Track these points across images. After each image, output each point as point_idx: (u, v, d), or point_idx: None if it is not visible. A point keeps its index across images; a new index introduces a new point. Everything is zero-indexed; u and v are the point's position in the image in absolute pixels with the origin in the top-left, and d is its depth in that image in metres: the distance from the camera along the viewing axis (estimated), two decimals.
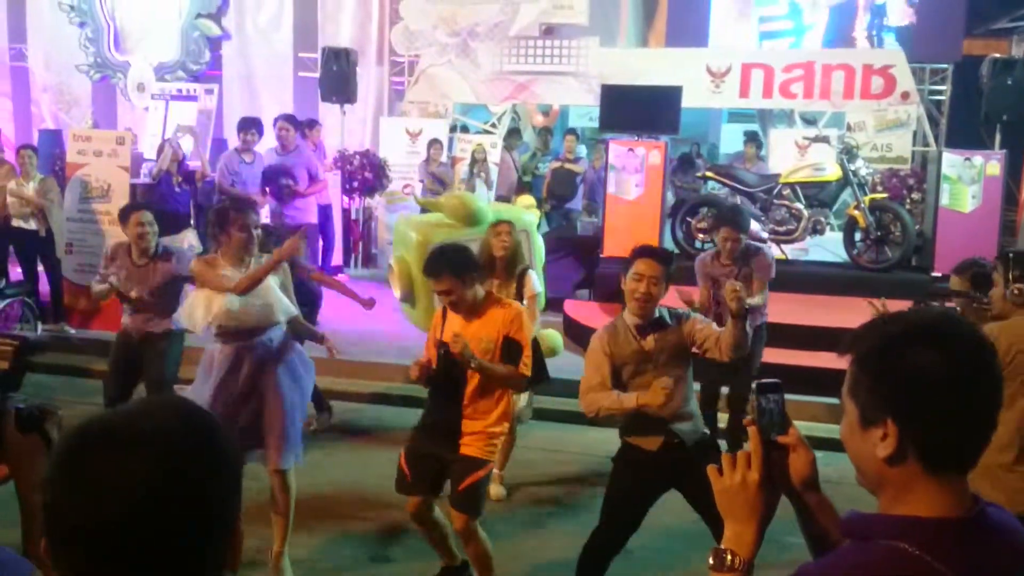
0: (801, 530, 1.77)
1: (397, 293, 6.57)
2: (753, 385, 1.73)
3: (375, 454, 6.69)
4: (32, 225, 8.96)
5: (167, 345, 5.79)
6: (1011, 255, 3.80)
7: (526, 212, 7.18)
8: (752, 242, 6.22)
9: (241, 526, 1.25)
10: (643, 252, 4.18)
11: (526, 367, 4.29)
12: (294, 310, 4.77)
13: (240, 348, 4.56)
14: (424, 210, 8.17)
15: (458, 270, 4.22)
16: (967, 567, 1.41)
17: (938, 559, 1.41)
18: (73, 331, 9.01)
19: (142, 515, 1.09)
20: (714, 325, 4.22)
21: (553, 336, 6.47)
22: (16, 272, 9.54)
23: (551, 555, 5.09)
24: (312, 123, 11.50)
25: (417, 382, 4.36)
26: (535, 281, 5.85)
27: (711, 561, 1.64)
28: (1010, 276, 3.75)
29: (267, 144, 10.24)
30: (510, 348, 4.26)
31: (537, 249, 6.63)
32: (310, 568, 4.85)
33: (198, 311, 4.58)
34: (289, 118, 10.13)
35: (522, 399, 5.97)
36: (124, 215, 5.86)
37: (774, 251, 6.20)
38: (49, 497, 1.13)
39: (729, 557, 1.63)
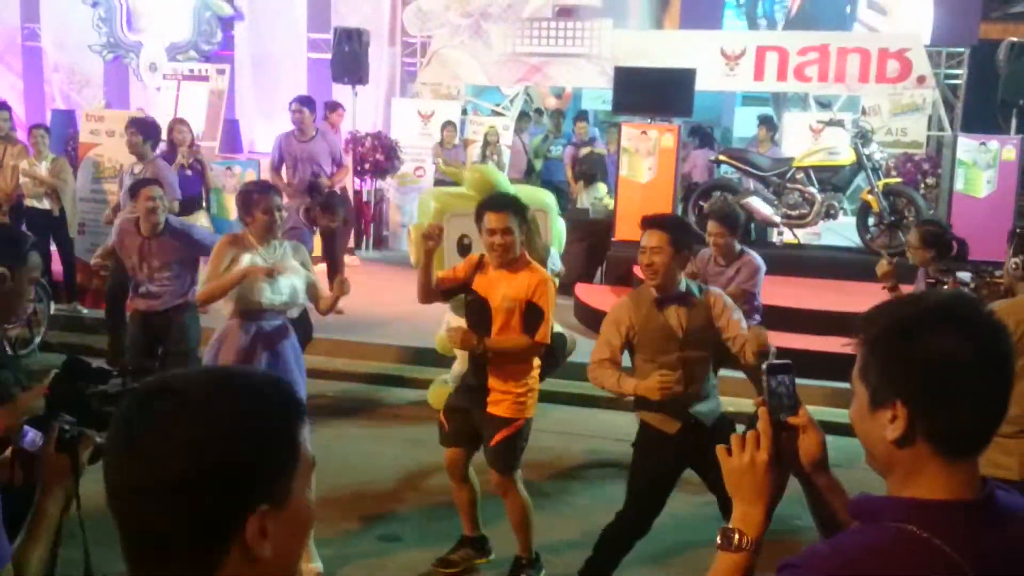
0: (810, 511, 1.76)
1: (412, 259, 6.66)
2: (763, 366, 1.72)
3: (384, 434, 6.72)
4: (45, 205, 8.99)
5: (188, 317, 5.92)
6: (1018, 230, 3.86)
7: (545, 192, 7.11)
8: (746, 248, 6.16)
9: (306, 504, 1.22)
10: (644, 224, 4.18)
11: (543, 336, 4.34)
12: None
13: (258, 328, 4.60)
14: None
15: (520, 214, 4.35)
16: (975, 550, 1.40)
17: (946, 542, 1.40)
18: (85, 311, 9.05)
19: (177, 475, 1.11)
20: (742, 320, 4.19)
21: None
22: None
23: (560, 534, 5.10)
24: (335, 105, 11.42)
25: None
26: (557, 260, 5.88)
27: (719, 540, 1.64)
28: (1011, 251, 3.83)
29: (283, 128, 10.00)
30: (532, 314, 4.32)
31: (556, 232, 6.59)
32: (318, 547, 4.87)
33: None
34: (304, 100, 9.48)
35: None
36: (134, 190, 5.90)
37: (761, 260, 6.08)
38: (106, 452, 1.19)
39: (736, 536, 1.63)
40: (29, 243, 2.84)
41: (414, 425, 6.84)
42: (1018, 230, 3.89)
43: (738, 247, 6.01)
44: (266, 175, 10.82)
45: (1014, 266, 3.75)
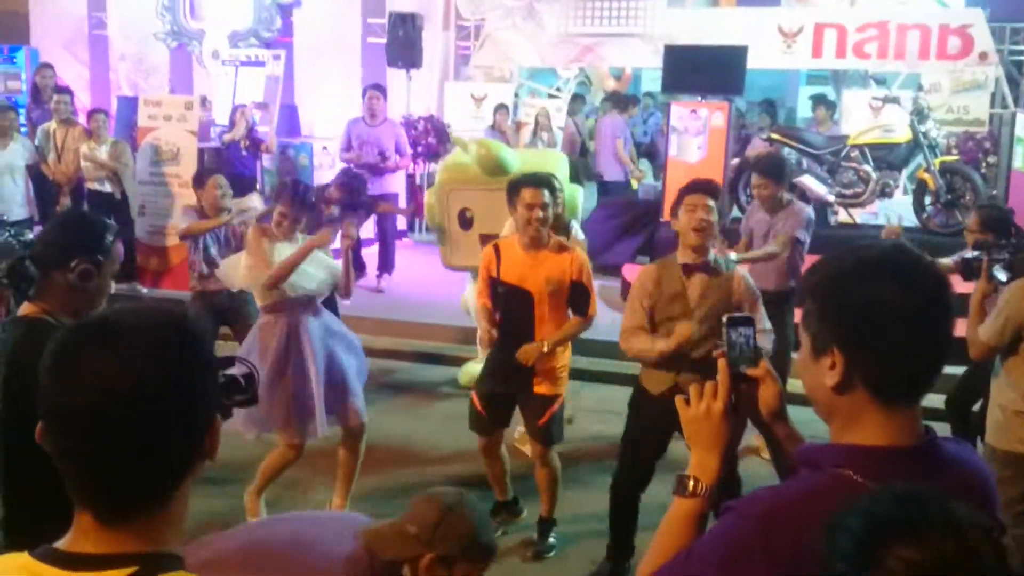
0: (772, 460, 1.79)
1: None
2: (724, 319, 1.75)
3: (425, 411, 6.82)
4: (107, 188, 9.27)
5: (248, 295, 6.05)
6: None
7: (555, 159, 7.08)
8: (795, 199, 6.06)
9: (219, 423, 1.34)
10: (689, 188, 4.19)
11: (594, 310, 4.58)
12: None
13: (295, 319, 4.66)
14: None
15: (553, 190, 4.53)
16: None
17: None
18: (145, 290, 9.32)
19: (125, 400, 1.19)
20: (764, 315, 4.18)
21: None
22: None
23: (589, 508, 5.14)
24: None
25: (491, 345, 4.60)
26: (579, 231, 5.93)
27: (675, 486, 1.67)
28: None
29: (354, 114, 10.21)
30: (580, 293, 4.49)
31: (570, 200, 6.65)
32: None
33: (238, 272, 4.80)
34: (380, 87, 10.00)
35: None
36: (200, 180, 6.01)
37: (811, 211, 6.00)
38: (45, 380, 1.23)
39: (692, 483, 1.66)
40: (114, 233, 2.73)
41: (452, 402, 6.93)
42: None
43: (787, 198, 5.93)
44: (319, 158, 11.04)
45: None
